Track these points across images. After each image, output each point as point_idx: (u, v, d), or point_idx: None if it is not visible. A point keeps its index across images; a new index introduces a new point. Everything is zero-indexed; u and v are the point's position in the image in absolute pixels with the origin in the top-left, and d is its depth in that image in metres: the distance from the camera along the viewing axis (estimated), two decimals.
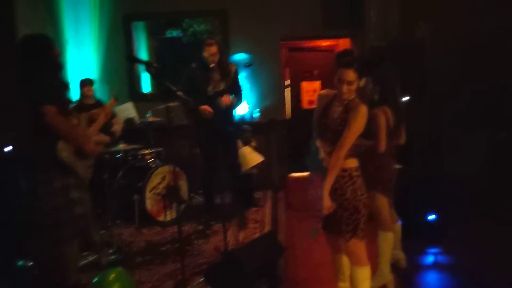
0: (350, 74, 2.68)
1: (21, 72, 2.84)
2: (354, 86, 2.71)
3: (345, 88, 2.70)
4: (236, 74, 5.13)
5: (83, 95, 5.71)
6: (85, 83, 5.73)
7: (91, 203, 3.07)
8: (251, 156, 5.52)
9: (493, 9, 5.12)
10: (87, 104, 5.71)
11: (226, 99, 4.90)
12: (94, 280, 2.62)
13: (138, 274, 3.88)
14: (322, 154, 2.96)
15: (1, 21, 4.93)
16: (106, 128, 4.61)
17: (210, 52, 4.83)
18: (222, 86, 4.98)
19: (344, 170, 2.77)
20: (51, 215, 2.68)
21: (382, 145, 3.39)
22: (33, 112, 2.72)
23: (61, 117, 2.75)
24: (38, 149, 2.77)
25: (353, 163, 2.81)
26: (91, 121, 3.47)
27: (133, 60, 2.95)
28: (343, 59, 2.87)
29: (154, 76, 3.13)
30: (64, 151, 2.77)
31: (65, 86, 3.06)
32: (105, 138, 4.92)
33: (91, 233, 2.93)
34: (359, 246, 2.82)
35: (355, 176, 2.79)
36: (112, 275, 2.67)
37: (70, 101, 3.09)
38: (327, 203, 2.74)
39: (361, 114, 2.71)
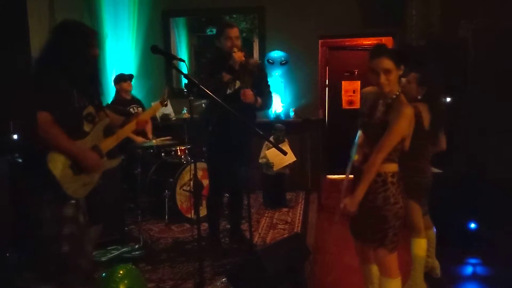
0: (385, 62, 2.48)
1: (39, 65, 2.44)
2: (392, 76, 2.50)
3: (382, 78, 2.48)
4: (262, 68, 4.43)
5: (121, 89, 5.75)
6: (125, 78, 5.76)
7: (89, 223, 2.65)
8: (282, 156, 5.38)
9: None
10: (125, 99, 5.77)
11: (248, 93, 3.97)
12: (103, 276, 2.56)
13: (161, 271, 3.85)
14: (358, 155, 2.80)
15: (39, 13, 4.99)
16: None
17: (235, 34, 3.99)
18: (245, 82, 4.04)
19: (379, 174, 2.54)
20: (37, 229, 2.41)
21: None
22: (29, 116, 2.20)
23: (55, 127, 2.37)
24: (29, 158, 2.45)
25: (391, 168, 2.57)
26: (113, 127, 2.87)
27: (157, 51, 2.79)
28: (374, 49, 2.65)
29: (177, 70, 3.08)
30: (56, 162, 2.39)
31: (97, 93, 2.64)
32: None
33: (80, 258, 2.47)
34: (388, 257, 2.61)
35: (389, 183, 2.55)
36: (121, 271, 2.61)
37: (91, 105, 2.57)
38: (353, 207, 2.56)
39: (404, 116, 2.48)
